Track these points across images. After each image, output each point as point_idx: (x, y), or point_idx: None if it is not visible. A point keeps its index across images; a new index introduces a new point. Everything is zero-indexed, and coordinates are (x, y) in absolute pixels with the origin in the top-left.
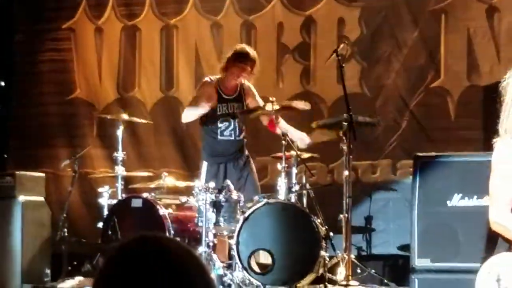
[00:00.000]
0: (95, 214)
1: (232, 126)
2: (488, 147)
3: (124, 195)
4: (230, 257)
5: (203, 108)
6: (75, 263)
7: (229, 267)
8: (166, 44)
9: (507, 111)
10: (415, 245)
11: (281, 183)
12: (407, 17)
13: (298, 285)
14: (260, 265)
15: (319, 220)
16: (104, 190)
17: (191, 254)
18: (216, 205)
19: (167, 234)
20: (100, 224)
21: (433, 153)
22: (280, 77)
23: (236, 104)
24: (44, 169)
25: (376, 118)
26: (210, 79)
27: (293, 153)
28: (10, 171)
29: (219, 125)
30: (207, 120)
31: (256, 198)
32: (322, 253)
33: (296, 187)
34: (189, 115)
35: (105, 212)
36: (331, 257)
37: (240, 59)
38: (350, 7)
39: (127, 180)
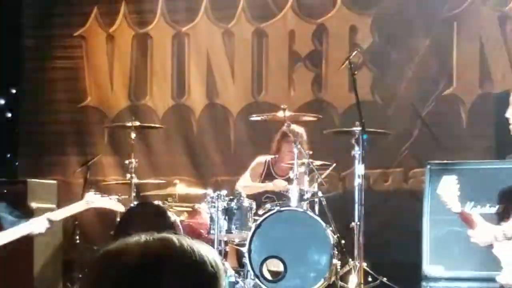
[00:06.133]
0: (106, 222)
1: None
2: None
3: (135, 202)
4: (242, 264)
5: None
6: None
7: (241, 274)
8: (177, 52)
9: None
10: (427, 253)
11: (293, 191)
12: (419, 25)
13: None
14: (272, 272)
15: (330, 228)
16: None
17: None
18: (228, 212)
19: None
20: (112, 232)
21: (446, 161)
22: (292, 85)
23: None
24: (55, 177)
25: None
26: (263, 160)
27: (305, 160)
28: (22, 179)
29: (265, 205)
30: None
31: (268, 205)
32: (334, 261)
33: (307, 195)
34: (248, 188)
35: (117, 219)
36: (342, 265)
37: (286, 137)
38: (362, 15)
39: (139, 188)
